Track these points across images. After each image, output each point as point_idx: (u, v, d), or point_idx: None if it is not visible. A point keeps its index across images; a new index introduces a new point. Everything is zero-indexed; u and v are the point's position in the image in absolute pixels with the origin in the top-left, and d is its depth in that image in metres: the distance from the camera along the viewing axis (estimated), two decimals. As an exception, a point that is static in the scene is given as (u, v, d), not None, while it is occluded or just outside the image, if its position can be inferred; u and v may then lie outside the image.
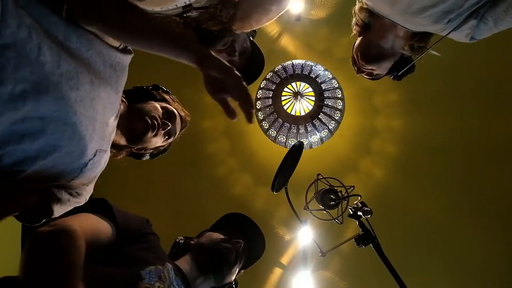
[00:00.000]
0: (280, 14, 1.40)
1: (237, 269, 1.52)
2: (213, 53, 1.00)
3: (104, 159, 1.22)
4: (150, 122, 1.50)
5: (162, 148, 1.73)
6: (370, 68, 1.66)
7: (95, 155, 1.12)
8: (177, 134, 1.69)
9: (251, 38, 1.75)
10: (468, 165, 3.29)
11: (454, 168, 3.31)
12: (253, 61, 1.74)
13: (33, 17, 0.84)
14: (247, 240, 1.60)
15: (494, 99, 3.26)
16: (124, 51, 1.23)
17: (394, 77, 1.69)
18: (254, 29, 1.52)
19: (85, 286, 0.85)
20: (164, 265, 1.18)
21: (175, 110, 1.65)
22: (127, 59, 1.24)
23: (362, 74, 1.77)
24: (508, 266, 3.12)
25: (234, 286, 1.54)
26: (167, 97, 1.70)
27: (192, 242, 1.50)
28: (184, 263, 1.37)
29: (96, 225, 1.09)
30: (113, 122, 1.26)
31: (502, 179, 3.22)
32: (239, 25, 1.42)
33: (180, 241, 1.52)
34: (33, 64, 0.82)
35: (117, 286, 0.98)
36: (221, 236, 1.51)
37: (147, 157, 1.71)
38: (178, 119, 1.66)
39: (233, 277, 1.52)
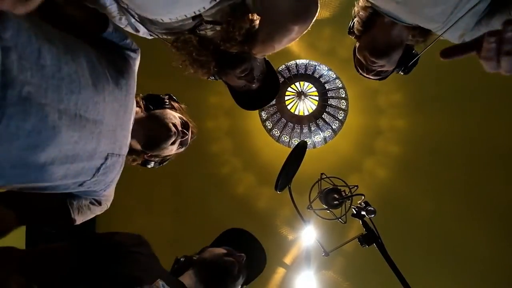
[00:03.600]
0: (301, 34, 1.37)
1: (240, 284, 1.52)
2: None
3: (119, 164, 1.23)
4: (172, 129, 1.50)
5: (168, 157, 1.73)
6: (381, 63, 1.64)
7: (106, 159, 1.13)
8: (187, 145, 1.70)
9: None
10: (471, 166, 3.29)
11: (457, 168, 3.30)
12: (268, 83, 1.73)
13: (31, 23, 0.85)
14: (248, 255, 1.60)
15: (498, 100, 3.25)
16: (128, 50, 1.24)
17: (402, 70, 1.68)
18: (276, 51, 1.49)
19: None
20: (153, 283, 1.16)
21: (188, 121, 1.67)
22: (133, 56, 1.25)
23: (370, 75, 1.75)
24: (511, 265, 3.11)
25: None
26: (178, 107, 1.71)
27: (194, 258, 1.51)
28: (187, 278, 1.37)
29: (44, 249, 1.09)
30: (129, 124, 1.26)
31: (505, 180, 3.21)
32: (260, 48, 1.39)
33: (181, 259, 1.52)
34: (33, 67, 0.83)
35: None
36: (223, 251, 1.52)
37: (152, 164, 1.71)
38: (190, 131, 1.67)
39: None
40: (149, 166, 1.71)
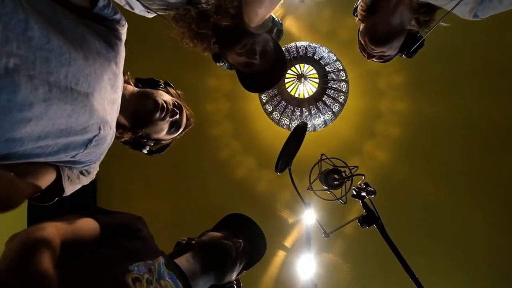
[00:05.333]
0: None
1: (238, 269, 1.54)
2: None
3: (110, 136, 1.23)
4: (160, 102, 1.50)
5: (163, 143, 1.73)
6: (381, 50, 1.63)
7: (99, 130, 1.12)
8: (181, 129, 1.69)
9: (276, 40, 1.72)
10: (472, 148, 3.28)
11: (457, 151, 3.30)
12: (274, 64, 1.71)
13: None
14: (248, 241, 1.61)
15: (499, 81, 3.23)
16: (116, 22, 1.23)
17: (406, 54, 1.66)
18: (262, 16, 1.47)
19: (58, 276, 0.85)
20: (154, 259, 1.19)
21: (183, 106, 1.66)
22: (119, 31, 1.25)
23: (373, 59, 1.74)
24: (510, 247, 3.12)
25: (235, 286, 1.55)
26: (174, 92, 1.70)
27: (193, 241, 1.53)
28: (183, 260, 1.39)
29: (75, 222, 1.09)
30: (117, 99, 1.26)
31: (506, 162, 3.21)
32: (246, 14, 1.38)
33: (182, 241, 1.54)
34: (19, 39, 0.82)
35: (104, 281, 0.99)
36: (221, 235, 1.54)
37: (146, 151, 1.70)
38: (184, 115, 1.66)
39: (234, 276, 1.54)
40: (144, 152, 1.70)
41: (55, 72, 0.90)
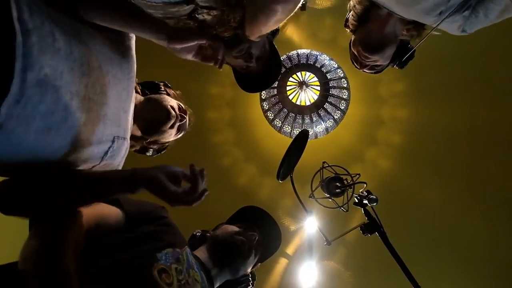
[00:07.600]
0: (289, 15, 1.36)
1: (253, 262, 1.53)
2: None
3: (124, 147, 1.23)
4: (171, 112, 1.51)
5: (166, 144, 1.74)
6: (374, 59, 1.63)
7: (113, 142, 1.13)
8: (184, 130, 1.70)
9: (271, 40, 1.73)
10: (474, 154, 3.28)
11: (459, 157, 3.30)
12: (269, 65, 1.73)
13: (40, 5, 0.86)
14: (263, 233, 1.61)
15: (499, 88, 3.23)
16: (124, 34, 1.25)
17: (397, 65, 1.67)
18: (265, 33, 1.49)
19: (78, 265, 0.85)
20: (183, 248, 1.19)
21: (185, 107, 1.67)
22: (130, 42, 1.26)
23: (365, 69, 1.75)
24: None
25: (250, 278, 1.55)
26: (173, 93, 1.71)
27: (208, 234, 1.53)
28: (201, 252, 1.39)
29: (101, 209, 1.10)
30: (130, 109, 1.26)
31: (507, 168, 3.20)
32: (249, 30, 1.40)
33: (197, 234, 1.54)
34: (51, 49, 0.84)
35: (131, 268, 0.99)
36: (236, 229, 1.52)
37: (151, 152, 1.72)
38: (187, 116, 1.68)
39: (249, 269, 1.53)
40: (148, 154, 1.71)
41: (77, 82, 0.91)
